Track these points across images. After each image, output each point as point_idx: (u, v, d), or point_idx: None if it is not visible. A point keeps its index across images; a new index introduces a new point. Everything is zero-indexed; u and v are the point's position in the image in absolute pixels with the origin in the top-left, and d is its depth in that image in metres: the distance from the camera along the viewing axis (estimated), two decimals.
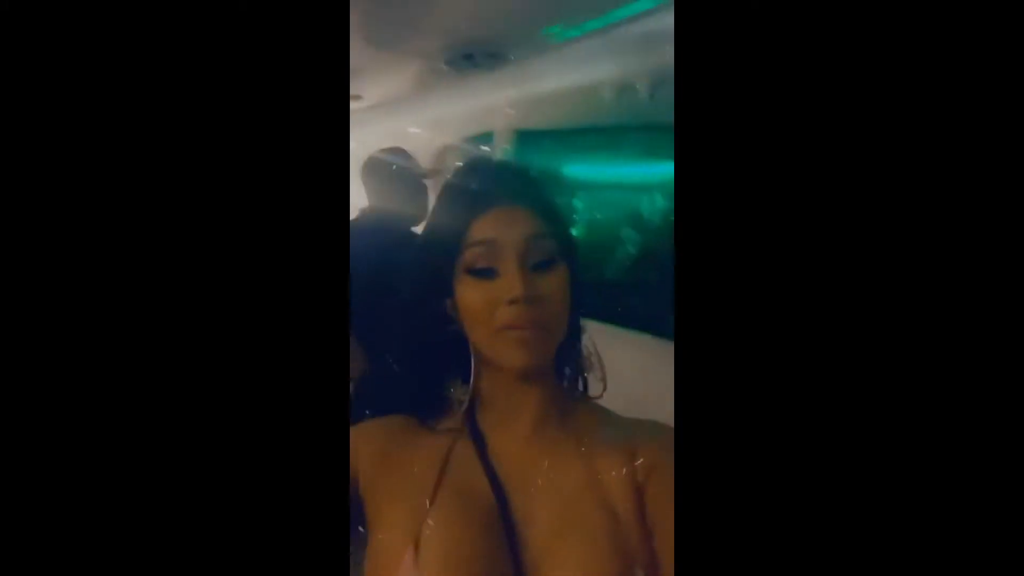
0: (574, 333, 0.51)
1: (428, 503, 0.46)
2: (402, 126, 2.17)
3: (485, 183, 0.49)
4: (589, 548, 0.44)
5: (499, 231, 0.46)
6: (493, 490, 0.47)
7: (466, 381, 0.50)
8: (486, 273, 0.46)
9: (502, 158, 0.59)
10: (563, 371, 0.52)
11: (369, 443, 0.51)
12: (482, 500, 0.47)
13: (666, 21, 1.36)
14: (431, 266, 0.49)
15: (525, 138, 1.99)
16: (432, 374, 0.52)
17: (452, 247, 0.47)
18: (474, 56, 1.55)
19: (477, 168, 0.53)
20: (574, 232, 0.52)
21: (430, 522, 0.45)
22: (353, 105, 2.12)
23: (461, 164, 0.54)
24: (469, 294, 0.47)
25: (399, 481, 0.49)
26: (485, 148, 1.97)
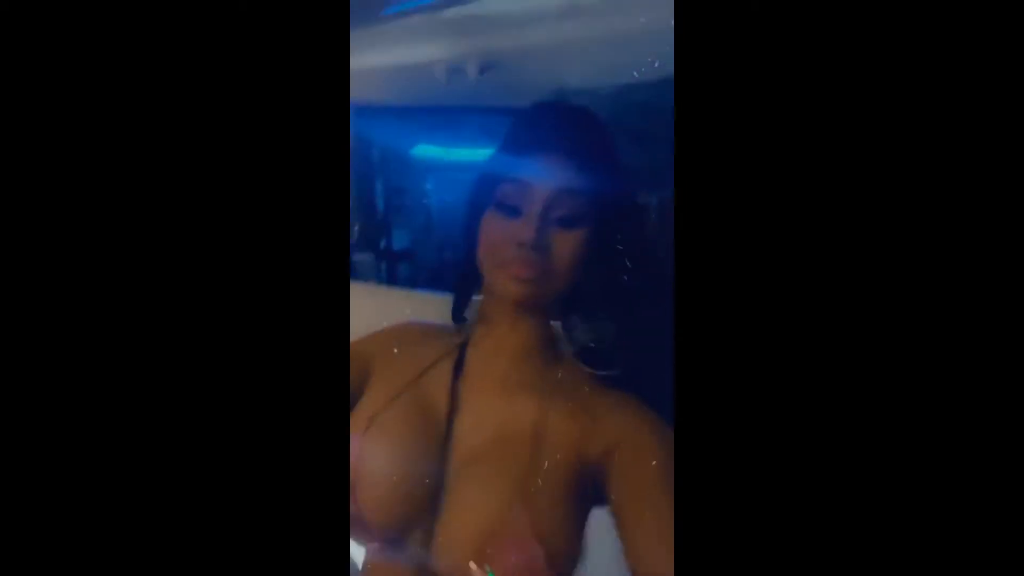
0: (582, 300, 0.53)
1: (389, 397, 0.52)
2: None
3: (548, 126, 0.51)
4: (499, 487, 0.47)
5: (536, 174, 0.48)
6: (448, 407, 0.52)
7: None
8: (510, 211, 0.49)
9: (572, 106, 0.54)
10: (567, 327, 0.55)
11: (379, 345, 0.60)
12: (436, 411, 0.52)
13: (492, 6, 1.44)
14: (476, 192, 0.52)
15: (367, 112, 1.97)
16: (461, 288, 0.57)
17: (496, 178, 0.50)
18: None
19: (549, 109, 0.54)
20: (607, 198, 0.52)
21: (384, 414, 0.51)
22: None
23: (535, 107, 0.54)
24: (489, 226, 0.50)
25: (388, 375, 0.56)
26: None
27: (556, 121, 0.52)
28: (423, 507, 0.49)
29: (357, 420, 0.53)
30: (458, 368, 0.54)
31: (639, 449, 0.47)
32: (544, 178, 0.48)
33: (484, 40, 1.55)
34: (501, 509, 0.46)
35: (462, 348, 0.56)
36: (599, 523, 0.50)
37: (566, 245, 0.49)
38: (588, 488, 0.49)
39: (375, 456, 0.51)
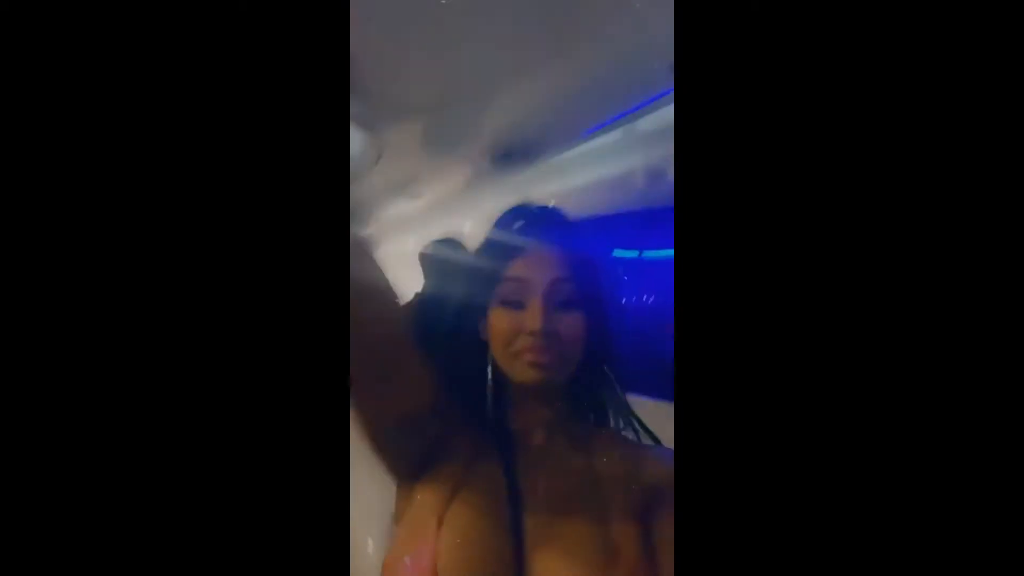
0: (594, 375, 0.58)
1: (451, 492, 0.54)
2: (456, 222, 2.39)
3: (527, 229, 0.58)
4: (578, 553, 0.49)
5: (530, 271, 0.54)
6: (507, 487, 0.54)
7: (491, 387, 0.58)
8: (515, 305, 0.54)
9: (541, 208, 0.65)
10: (582, 401, 0.59)
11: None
12: (496, 494, 0.54)
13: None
14: (472, 294, 0.58)
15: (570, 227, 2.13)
16: (471, 387, 0.59)
17: (492, 280, 0.56)
18: (511, 155, 1.74)
19: (522, 215, 0.60)
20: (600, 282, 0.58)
21: (454, 507, 0.53)
22: (413, 204, 2.38)
23: (508, 213, 0.61)
24: (498, 321, 0.55)
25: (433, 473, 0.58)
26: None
27: (533, 220, 0.58)
28: None
29: (422, 517, 0.54)
30: (508, 452, 0.57)
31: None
32: (536, 272, 0.53)
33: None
34: (590, 562, 0.48)
35: (506, 433, 0.58)
36: None
37: (570, 325, 0.53)
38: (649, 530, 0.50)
39: (452, 551, 0.51)
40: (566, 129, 1.69)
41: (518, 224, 0.58)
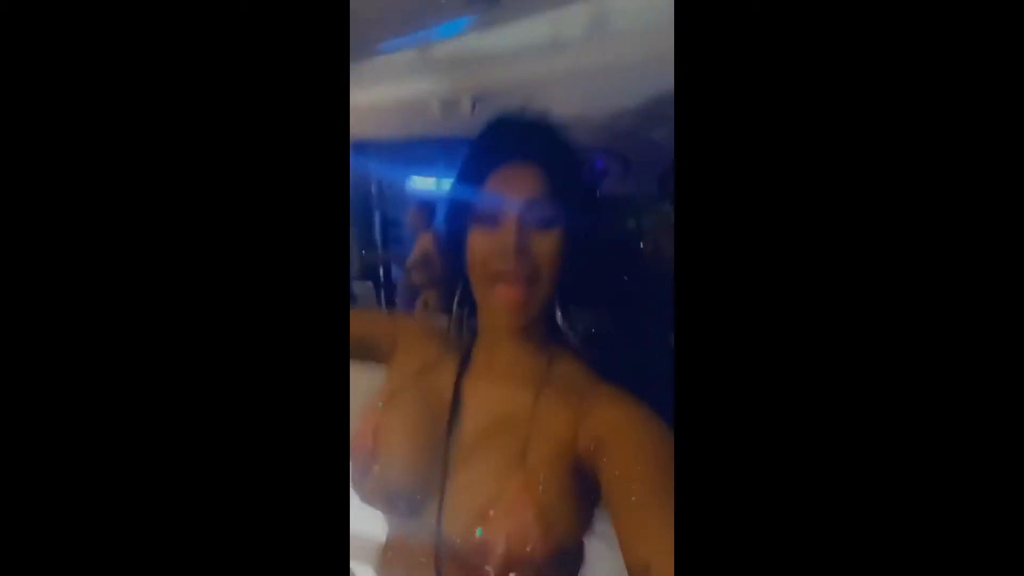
0: (568, 293, 0.55)
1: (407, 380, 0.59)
2: None
3: (505, 140, 0.54)
4: (500, 467, 0.51)
5: (507, 188, 0.51)
6: (452, 399, 0.57)
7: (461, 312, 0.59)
8: (490, 222, 0.51)
9: (529, 116, 0.57)
10: (555, 323, 0.56)
11: (409, 327, 0.66)
12: (443, 399, 0.57)
13: (478, 42, 1.51)
14: (452, 218, 0.55)
15: (365, 147, 2.02)
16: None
17: (471, 200, 0.53)
18: None
19: (501, 125, 0.56)
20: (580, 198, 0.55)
21: (400, 394, 0.58)
22: None
23: (489, 122, 0.57)
24: (474, 242, 0.52)
25: (407, 359, 0.62)
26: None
27: (513, 134, 0.55)
28: (433, 480, 0.54)
29: (379, 393, 0.60)
30: (463, 365, 0.59)
31: (629, 442, 0.47)
32: (513, 189, 0.51)
33: (477, 75, 1.61)
34: (499, 480, 0.50)
35: (467, 349, 0.60)
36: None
37: (546, 245, 0.51)
38: (586, 480, 0.50)
39: (393, 429, 0.56)
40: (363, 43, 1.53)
41: (500, 136, 0.55)
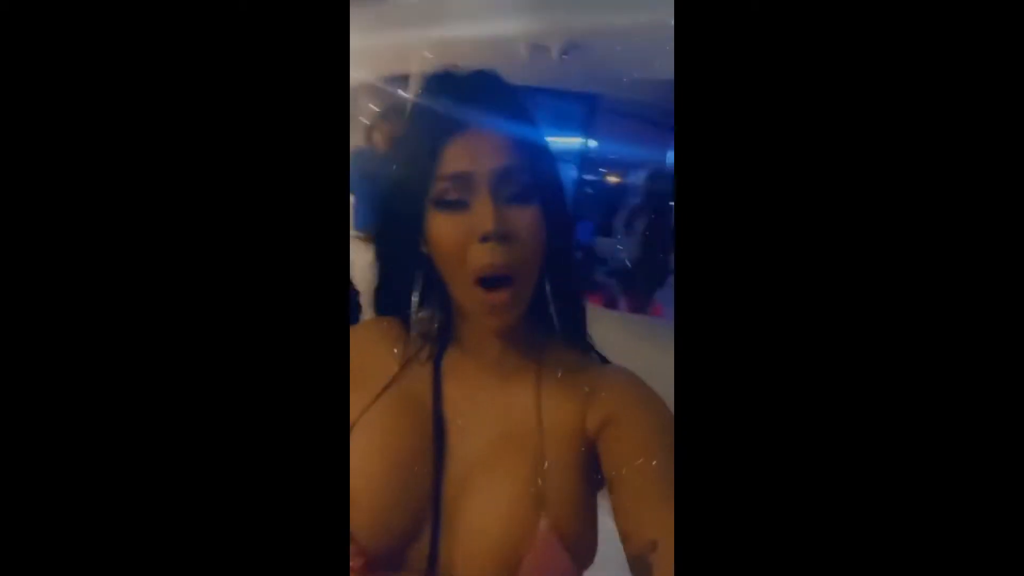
0: (554, 278, 0.48)
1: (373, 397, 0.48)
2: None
3: (456, 104, 0.44)
4: (509, 490, 0.43)
5: (471, 161, 0.42)
6: (433, 406, 0.47)
7: (434, 311, 0.49)
8: (457, 205, 0.43)
9: (474, 73, 0.44)
10: (546, 311, 0.49)
11: (364, 338, 0.51)
12: (422, 411, 0.47)
13: None
14: (400, 198, 0.45)
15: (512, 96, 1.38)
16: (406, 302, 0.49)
17: (423, 177, 0.43)
18: None
19: (446, 86, 0.46)
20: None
21: (366, 415, 0.47)
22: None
23: (429, 81, 0.47)
24: (439, 229, 0.43)
25: (366, 374, 0.49)
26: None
27: (454, 99, 0.44)
28: (421, 517, 0.44)
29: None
30: (438, 361, 0.48)
31: (632, 419, 0.44)
32: (478, 161, 0.42)
33: (567, 21, 1.66)
34: (515, 514, 0.42)
35: (441, 342, 0.49)
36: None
37: (527, 222, 0.43)
38: (596, 467, 0.45)
39: (361, 462, 0.44)
40: None
41: (445, 100, 0.44)
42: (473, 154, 0.42)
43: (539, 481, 0.43)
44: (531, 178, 0.44)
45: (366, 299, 0.54)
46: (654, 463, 0.40)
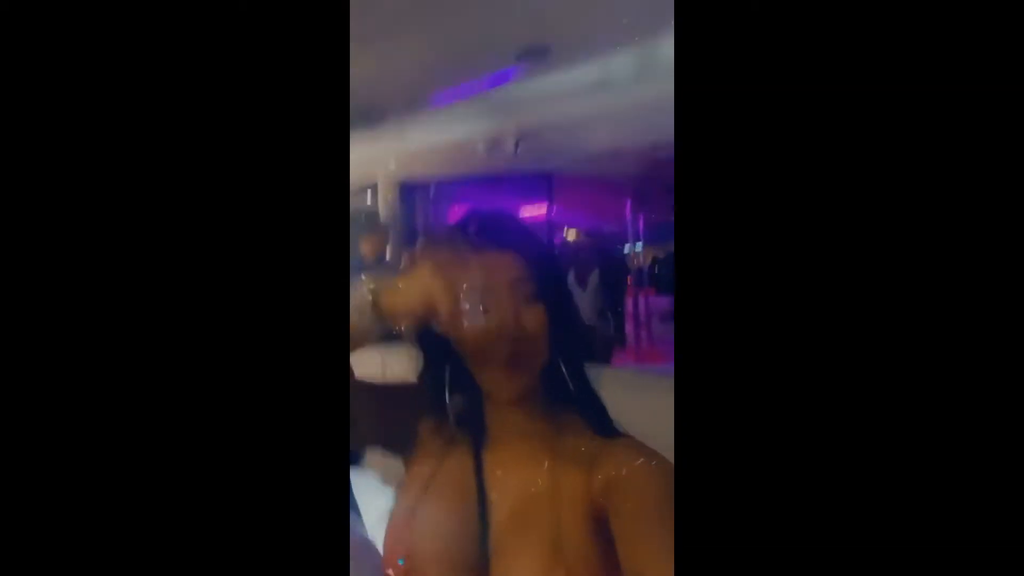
0: (561, 368, 0.56)
1: (425, 483, 0.58)
2: None
3: (481, 233, 0.55)
4: (535, 551, 0.51)
5: (490, 275, 0.51)
6: (477, 486, 0.56)
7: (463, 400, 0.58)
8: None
9: (498, 211, 0.67)
10: (551, 395, 0.57)
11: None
12: (466, 492, 0.56)
13: (520, 89, 1.66)
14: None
15: (408, 190, 2.28)
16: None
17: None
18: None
19: (473, 218, 0.58)
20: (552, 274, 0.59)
21: (427, 498, 0.57)
22: None
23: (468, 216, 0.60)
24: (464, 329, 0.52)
25: (414, 474, 0.60)
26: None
27: (485, 225, 0.57)
28: None
29: (399, 511, 0.60)
30: (478, 450, 0.58)
31: (636, 479, 0.50)
32: (495, 276, 0.52)
33: (519, 117, 1.76)
34: (542, 569, 0.50)
35: (477, 425, 0.59)
36: None
37: (533, 321, 0.53)
38: (607, 532, 0.51)
39: (425, 538, 0.55)
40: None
41: (471, 229, 0.57)
42: (492, 269, 0.51)
43: (566, 536, 0.50)
44: (538, 285, 0.53)
45: None
46: (658, 520, 0.45)
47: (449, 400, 0.57)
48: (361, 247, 2.23)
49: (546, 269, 0.55)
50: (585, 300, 2.58)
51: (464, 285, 0.50)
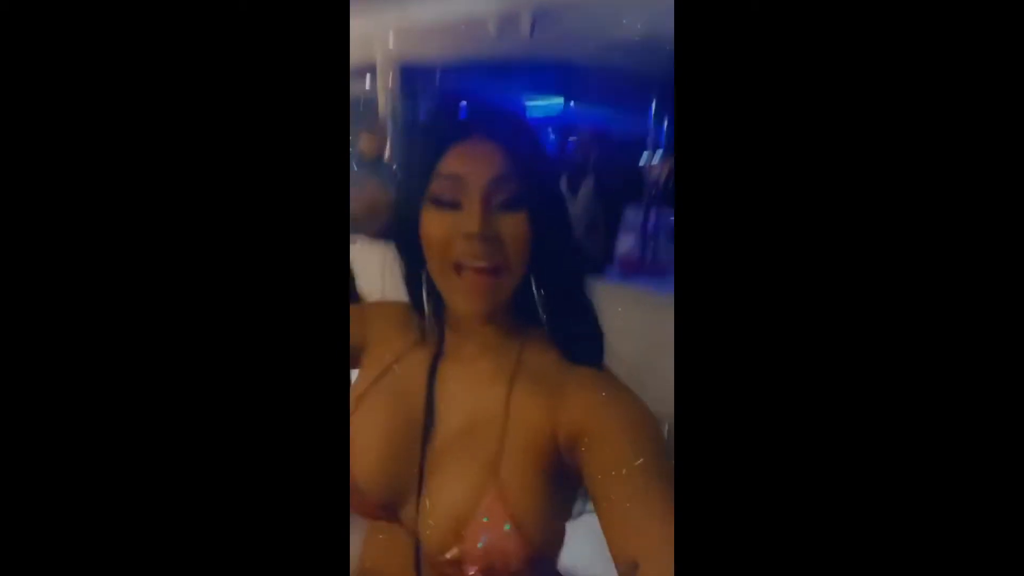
0: (537, 283, 0.52)
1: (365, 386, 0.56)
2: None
3: (458, 116, 0.51)
4: (472, 475, 0.48)
5: (467, 166, 0.47)
6: (426, 397, 0.54)
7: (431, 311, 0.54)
8: (450, 205, 0.47)
9: (495, 99, 0.58)
10: (523, 304, 0.53)
11: (377, 317, 0.61)
12: (415, 397, 0.54)
13: None
14: (404, 195, 0.51)
15: (410, 73, 2.07)
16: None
17: (423, 177, 0.49)
18: None
19: (452, 100, 0.55)
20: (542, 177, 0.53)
21: (370, 394, 0.56)
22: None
23: (437, 96, 0.57)
24: (430, 224, 0.48)
25: (377, 353, 0.58)
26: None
27: (471, 110, 0.52)
28: (410, 486, 0.52)
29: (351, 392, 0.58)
30: (435, 360, 0.56)
31: (610, 429, 0.46)
32: (473, 167, 0.47)
33: None
34: (473, 493, 0.48)
35: (440, 341, 0.56)
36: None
37: (513, 228, 0.48)
38: (566, 470, 0.49)
39: (367, 432, 0.54)
40: None
41: (460, 112, 0.52)
42: (472, 160, 0.47)
43: (507, 466, 0.48)
44: (523, 187, 0.47)
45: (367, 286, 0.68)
46: (624, 471, 0.42)
47: (426, 298, 0.54)
48: (360, 144, 2.07)
49: (537, 172, 0.49)
50: (576, 210, 2.38)
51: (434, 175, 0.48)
